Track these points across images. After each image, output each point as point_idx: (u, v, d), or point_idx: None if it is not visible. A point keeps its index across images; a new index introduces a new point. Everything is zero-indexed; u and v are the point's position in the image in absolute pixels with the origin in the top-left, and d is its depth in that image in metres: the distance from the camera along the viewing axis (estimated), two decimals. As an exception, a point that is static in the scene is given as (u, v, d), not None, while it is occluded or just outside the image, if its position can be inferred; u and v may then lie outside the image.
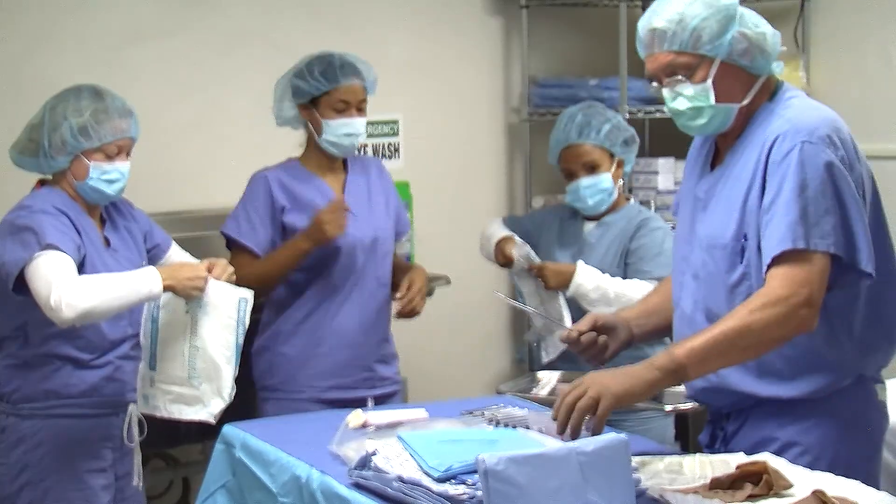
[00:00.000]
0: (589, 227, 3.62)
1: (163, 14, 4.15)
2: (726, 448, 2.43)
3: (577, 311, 3.52)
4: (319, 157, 3.40)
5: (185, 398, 2.98)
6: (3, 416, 2.96)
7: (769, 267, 2.28)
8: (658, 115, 4.67)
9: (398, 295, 3.40)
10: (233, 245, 3.37)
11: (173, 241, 3.21)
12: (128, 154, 3.01)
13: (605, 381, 2.24)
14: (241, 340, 2.95)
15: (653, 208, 4.46)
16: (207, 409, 2.96)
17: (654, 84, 2.45)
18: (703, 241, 2.45)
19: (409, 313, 3.42)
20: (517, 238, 3.56)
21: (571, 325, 3.47)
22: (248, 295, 2.96)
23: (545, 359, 3.57)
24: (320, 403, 3.27)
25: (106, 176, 2.95)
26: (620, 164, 3.59)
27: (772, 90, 2.45)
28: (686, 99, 2.40)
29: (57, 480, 2.93)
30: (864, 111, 4.43)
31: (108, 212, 3.08)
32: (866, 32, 4.54)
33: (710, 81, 2.37)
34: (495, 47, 4.94)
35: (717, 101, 2.39)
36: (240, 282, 3.16)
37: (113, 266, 2.95)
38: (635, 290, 3.42)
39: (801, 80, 4.54)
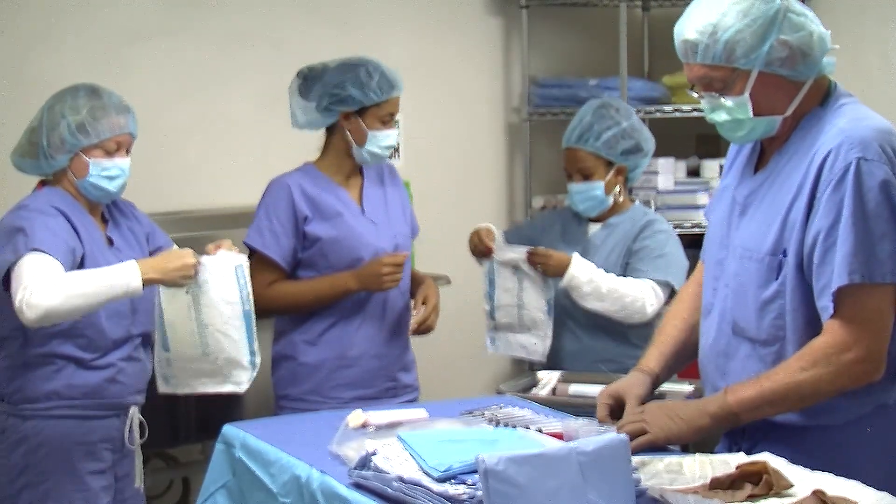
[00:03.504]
0: (594, 228, 3.61)
1: (163, 14, 4.15)
2: None
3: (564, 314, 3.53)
4: (342, 164, 3.36)
5: (205, 372, 2.97)
6: (4, 417, 2.95)
7: (834, 307, 2.17)
8: (658, 115, 4.67)
9: (414, 311, 3.37)
10: (255, 254, 3.29)
11: (175, 245, 3.20)
12: (128, 151, 3.01)
13: (659, 418, 2.30)
14: (250, 305, 2.94)
15: (653, 208, 4.46)
16: (232, 381, 2.96)
17: (694, 94, 2.36)
18: (737, 249, 2.36)
19: (424, 330, 3.37)
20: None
21: (551, 333, 3.48)
22: (242, 261, 2.95)
23: (490, 349, 3.60)
24: None
25: (106, 172, 2.95)
26: (621, 171, 3.56)
27: (823, 92, 2.33)
28: (724, 111, 2.30)
29: (57, 482, 2.93)
30: (864, 111, 4.43)
31: (111, 212, 3.08)
32: (866, 32, 4.54)
33: (747, 94, 2.26)
34: (495, 47, 4.94)
35: (756, 113, 2.28)
36: (270, 299, 3.20)
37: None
38: (628, 287, 3.42)
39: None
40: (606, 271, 3.47)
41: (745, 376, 2.31)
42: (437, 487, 1.98)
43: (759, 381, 2.25)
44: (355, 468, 2.16)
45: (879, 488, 2.03)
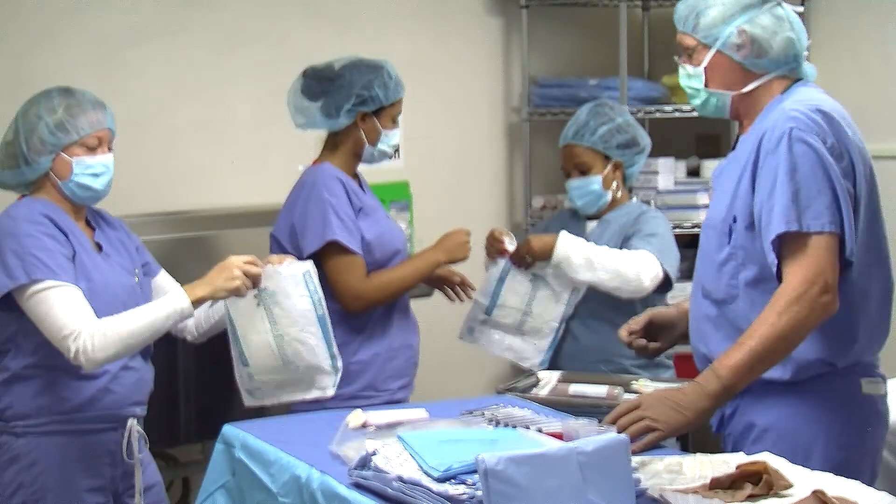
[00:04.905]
0: (591, 225, 3.64)
1: (163, 14, 4.15)
2: (724, 431, 2.51)
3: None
4: (350, 163, 3.39)
5: (289, 382, 2.94)
6: None
7: (779, 258, 2.35)
8: (658, 115, 4.67)
9: (457, 279, 3.58)
10: (337, 252, 3.24)
11: (163, 269, 3.15)
12: (109, 147, 2.95)
13: (663, 411, 2.32)
14: (322, 309, 2.92)
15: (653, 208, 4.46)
16: (317, 387, 2.95)
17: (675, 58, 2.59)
18: (705, 221, 2.57)
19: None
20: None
21: (550, 349, 3.49)
22: (309, 266, 2.93)
23: (465, 339, 3.61)
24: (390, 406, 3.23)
25: (90, 170, 2.89)
26: (618, 167, 3.59)
27: (789, 84, 2.50)
28: (686, 77, 2.54)
29: (53, 501, 2.84)
30: (864, 111, 4.41)
31: (96, 220, 3.02)
32: (866, 32, 4.54)
33: (702, 67, 2.49)
34: (495, 47, 4.94)
35: (708, 86, 2.51)
36: (375, 290, 3.27)
37: (106, 270, 2.90)
38: (623, 257, 3.42)
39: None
40: None
41: (716, 336, 2.48)
42: (437, 487, 1.98)
43: (741, 344, 2.34)
44: (355, 468, 2.16)
45: (839, 450, 2.27)
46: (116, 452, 2.93)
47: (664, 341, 2.83)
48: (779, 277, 2.36)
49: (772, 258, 2.36)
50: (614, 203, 3.62)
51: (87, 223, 3.00)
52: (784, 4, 2.49)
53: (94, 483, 2.90)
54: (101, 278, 2.88)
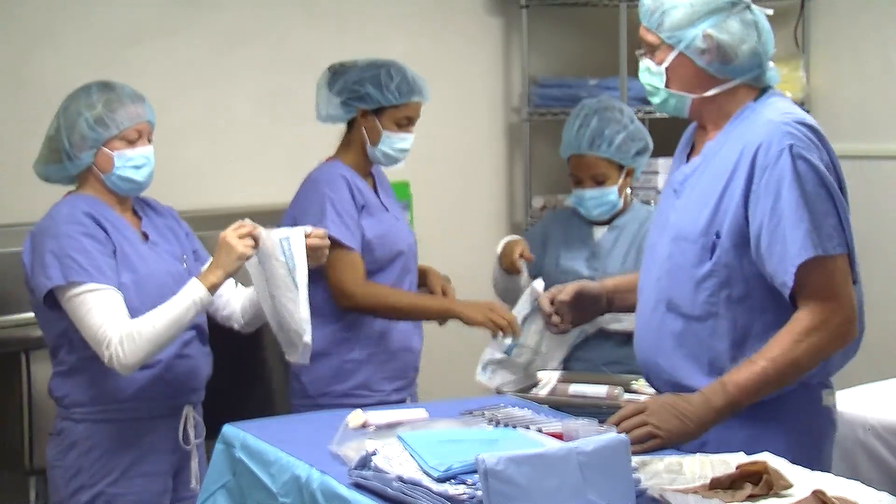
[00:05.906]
0: (600, 231, 3.59)
1: (163, 14, 4.16)
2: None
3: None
4: (359, 162, 3.40)
5: (287, 342, 2.96)
6: (59, 420, 2.95)
7: (796, 281, 2.27)
8: (658, 115, 4.67)
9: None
10: (331, 247, 3.17)
11: (210, 258, 3.17)
12: (149, 139, 3.00)
13: (666, 419, 2.29)
14: (299, 277, 2.87)
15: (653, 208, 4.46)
16: (299, 352, 2.94)
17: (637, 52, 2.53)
18: (671, 231, 2.47)
19: None
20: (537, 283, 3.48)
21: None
22: (288, 233, 2.89)
23: (482, 378, 3.52)
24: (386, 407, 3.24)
25: (131, 163, 2.95)
26: (630, 173, 3.56)
27: (758, 92, 2.44)
28: (647, 73, 2.46)
29: (110, 485, 2.90)
30: (863, 111, 4.44)
31: (143, 209, 3.07)
32: (866, 32, 4.54)
33: (663, 67, 2.42)
34: (495, 47, 4.94)
35: (669, 87, 2.43)
36: (371, 297, 3.26)
37: (152, 260, 2.94)
38: None
39: (801, 80, 4.54)
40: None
41: (679, 352, 2.42)
42: (437, 487, 1.98)
43: (754, 363, 2.30)
44: (355, 468, 2.16)
45: (806, 464, 2.18)
46: (173, 439, 2.99)
47: (586, 315, 2.82)
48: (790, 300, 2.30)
49: (783, 280, 2.28)
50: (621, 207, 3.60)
51: (135, 212, 3.04)
52: (753, 8, 2.41)
53: (153, 468, 2.96)
54: (146, 269, 2.92)
